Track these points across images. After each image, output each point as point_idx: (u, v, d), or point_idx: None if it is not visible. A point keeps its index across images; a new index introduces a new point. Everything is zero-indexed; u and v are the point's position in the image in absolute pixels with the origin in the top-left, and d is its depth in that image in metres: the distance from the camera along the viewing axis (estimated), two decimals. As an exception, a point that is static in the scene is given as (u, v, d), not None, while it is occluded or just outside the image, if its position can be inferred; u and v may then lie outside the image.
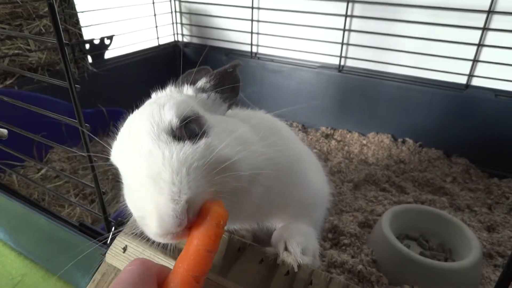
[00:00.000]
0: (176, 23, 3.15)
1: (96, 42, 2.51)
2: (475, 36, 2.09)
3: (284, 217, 0.98)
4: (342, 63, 2.55)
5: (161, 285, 0.68)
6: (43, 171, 1.98)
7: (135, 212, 0.72)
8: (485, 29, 2.05)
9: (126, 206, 0.77)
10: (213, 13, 2.97)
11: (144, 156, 0.69)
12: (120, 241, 0.91)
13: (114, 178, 1.94)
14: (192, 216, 0.67)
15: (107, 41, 2.57)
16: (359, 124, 2.58)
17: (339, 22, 2.43)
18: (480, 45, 2.10)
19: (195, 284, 0.66)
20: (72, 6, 2.35)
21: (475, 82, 2.21)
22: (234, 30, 2.89)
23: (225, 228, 0.91)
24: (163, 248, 0.87)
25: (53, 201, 1.84)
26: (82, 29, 2.44)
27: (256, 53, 2.86)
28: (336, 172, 2.18)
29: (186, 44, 3.19)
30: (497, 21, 2.03)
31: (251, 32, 2.78)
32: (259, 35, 2.83)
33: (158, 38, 3.00)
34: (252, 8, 2.70)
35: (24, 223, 1.51)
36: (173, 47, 3.16)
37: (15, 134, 1.30)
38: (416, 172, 2.15)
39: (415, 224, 1.58)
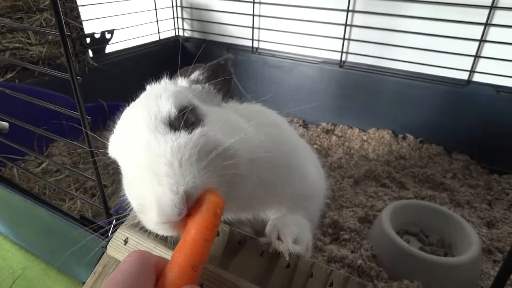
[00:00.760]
0: (177, 17, 3.14)
1: (97, 36, 2.50)
2: (477, 31, 2.08)
3: (279, 209, 0.99)
4: (343, 59, 2.54)
5: (160, 275, 0.69)
6: (44, 165, 1.99)
7: (135, 203, 0.73)
8: (487, 24, 2.04)
9: (126, 198, 0.78)
10: (214, 8, 2.96)
11: (142, 147, 0.70)
12: (121, 234, 0.92)
13: (115, 173, 1.95)
14: (190, 205, 0.68)
15: (108, 35, 2.56)
16: (360, 119, 2.58)
17: (341, 17, 2.42)
18: (482, 40, 2.09)
19: (193, 273, 0.67)
20: (73, 0, 2.34)
21: (477, 78, 2.20)
22: (235, 25, 2.88)
23: (224, 219, 0.92)
24: (163, 240, 0.87)
25: (54, 195, 1.84)
26: (83, 23, 2.43)
27: (257, 48, 2.85)
28: (337, 168, 2.18)
29: (187, 39, 3.18)
30: (499, 17, 2.03)
31: (252, 27, 2.77)
32: (260, 30, 2.82)
33: (159, 32, 2.99)
34: (254, 2, 2.69)
35: (25, 217, 1.52)
36: (174, 41, 3.15)
37: (16, 128, 1.30)
38: (416, 168, 2.15)
39: (415, 219, 1.58)
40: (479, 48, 2.11)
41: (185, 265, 0.67)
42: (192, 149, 0.69)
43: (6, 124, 1.35)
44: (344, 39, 2.47)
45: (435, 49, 2.22)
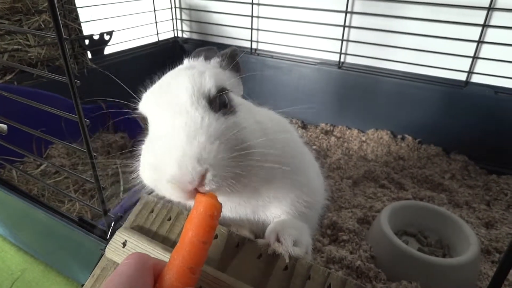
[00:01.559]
0: (176, 19, 3.15)
1: (96, 37, 2.50)
2: (475, 33, 2.09)
3: (281, 210, 0.98)
4: (341, 60, 2.54)
5: (158, 278, 0.69)
6: (42, 167, 1.98)
7: (153, 158, 0.74)
8: (485, 26, 2.05)
9: (139, 160, 0.81)
10: (213, 9, 2.97)
11: (184, 114, 0.72)
12: (119, 236, 0.92)
13: (113, 174, 1.94)
14: (198, 185, 0.69)
15: (106, 37, 2.56)
16: (359, 120, 2.58)
17: (339, 18, 2.43)
18: (480, 42, 2.10)
19: (191, 276, 0.67)
20: (71, 1, 2.34)
21: (475, 79, 2.21)
22: (234, 26, 2.88)
23: (222, 221, 0.92)
24: (162, 243, 0.87)
25: (53, 196, 1.84)
26: (82, 24, 2.43)
27: (256, 49, 2.85)
28: (336, 169, 2.18)
29: (186, 40, 3.18)
30: (497, 18, 2.03)
31: (251, 28, 2.77)
32: (259, 31, 2.82)
33: (157, 34, 2.99)
34: (252, 4, 2.69)
35: (23, 219, 1.52)
36: (173, 43, 3.16)
37: (15, 130, 1.30)
38: (415, 169, 2.16)
39: (413, 220, 1.59)
40: (477, 49, 2.12)
41: (183, 267, 0.67)
42: (227, 138, 0.72)
43: (4, 126, 1.35)
44: (342, 40, 2.47)
45: (434, 50, 2.23)
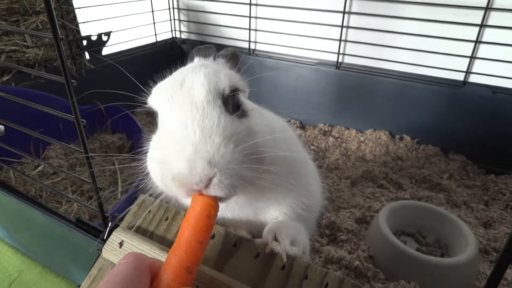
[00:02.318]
0: (174, 19, 3.15)
1: (94, 38, 2.50)
2: (472, 33, 2.09)
3: (279, 212, 0.98)
4: (340, 60, 2.54)
5: (154, 277, 0.69)
6: (40, 168, 1.98)
7: (163, 152, 0.72)
8: (482, 26, 2.05)
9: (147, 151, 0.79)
10: (211, 10, 2.97)
11: (201, 110, 0.71)
12: (116, 236, 0.91)
13: (111, 175, 1.94)
14: (203, 187, 0.67)
15: (104, 38, 2.56)
16: (357, 121, 2.58)
17: (337, 18, 2.43)
18: (477, 42, 2.10)
19: (187, 275, 0.67)
20: (69, 2, 2.34)
21: (473, 79, 2.21)
22: (232, 27, 2.88)
23: (220, 221, 0.91)
24: (159, 243, 0.87)
25: (51, 197, 1.84)
26: (80, 25, 2.43)
27: (254, 50, 2.85)
28: (334, 169, 2.18)
29: (184, 41, 3.18)
30: (494, 18, 2.03)
31: (249, 29, 2.77)
32: (257, 32, 2.82)
33: (155, 34, 2.99)
34: (250, 4, 2.69)
35: (21, 220, 1.51)
36: (171, 43, 3.15)
37: (12, 131, 1.29)
38: (413, 169, 2.16)
39: (412, 220, 1.59)
40: (474, 49, 2.12)
41: (179, 267, 0.67)
42: (241, 142, 0.71)
43: (1, 127, 1.35)
44: (340, 40, 2.48)
45: (431, 50, 2.23)
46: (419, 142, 2.39)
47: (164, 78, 0.91)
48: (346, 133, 2.57)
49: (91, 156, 1.00)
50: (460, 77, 2.22)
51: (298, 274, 0.80)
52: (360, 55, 2.48)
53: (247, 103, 0.84)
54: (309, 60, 2.64)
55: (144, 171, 0.82)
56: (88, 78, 2.43)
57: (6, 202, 1.42)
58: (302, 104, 2.70)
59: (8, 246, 1.66)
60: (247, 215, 0.97)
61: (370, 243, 1.51)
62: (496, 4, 2.00)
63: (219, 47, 1.02)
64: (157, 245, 0.86)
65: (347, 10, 2.39)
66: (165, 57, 3.05)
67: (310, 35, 2.58)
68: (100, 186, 1.07)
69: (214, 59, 0.97)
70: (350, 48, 2.52)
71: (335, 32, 2.47)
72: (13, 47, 2.13)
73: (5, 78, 2.07)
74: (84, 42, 2.45)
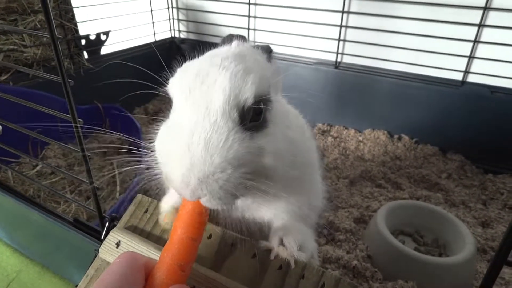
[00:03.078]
0: (173, 19, 3.14)
1: (92, 37, 2.49)
2: (471, 32, 2.09)
3: (283, 214, 0.96)
4: (338, 60, 2.54)
5: (148, 276, 0.69)
6: (38, 168, 1.98)
7: (164, 148, 0.70)
8: (481, 25, 2.05)
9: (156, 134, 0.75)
10: (210, 9, 2.96)
11: (212, 121, 0.66)
12: (113, 237, 0.91)
13: (109, 175, 1.94)
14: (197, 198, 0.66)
15: (103, 37, 2.56)
16: (356, 120, 2.58)
17: (336, 18, 2.43)
18: (476, 41, 2.10)
19: (181, 273, 0.67)
20: (67, 1, 2.34)
21: (471, 78, 2.21)
22: (231, 26, 2.88)
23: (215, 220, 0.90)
24: (156, 243, 0.87)
25: (49, 197, 1.83)
26: (78, 24, 2.43)
27: (252, 50, 2.85)
28: (332, 169, 2.18)
29: (183, 40, 3.18)
30: (493, 18, 2.04)
31: (248, 28, 2.77)
32: (256, 31, 2.82)
33: (154, 34, 2.99)
34: (249, 4, 2.69)
35: (19, 220, 1.51)
36: (170, 43, 3.15)
37: (10, 131, 1.29)
38: (411, 169, 2.16)
39: (410, 220, 1.59)
40: (473, 49, 2.12)
41: (172, 264, 0.67)
42: (243, 164, 0.66)
43: (-1, 127, 1.35)
44: (339, 40, 2.48)
45: (430, 50, 2.23)
46: (417, 141, 2.39)
47: (163, 78, 0.88)
48: (344, 132, 2.57)
49: (89, 156, 1.00)
50: (458, 76, 2.22)
51: (295, 274, 0.80)
52: (359, 54, 2.48)
53: (275, 110, 0.76)
54: (308, 60, 2.64)
55: (145, 166, 0.79)
56: (87, 77, 2.42)
57: (4, 202, 1.42)
58: (301, 104, 2.69)
59: (6, 246, 1.66)
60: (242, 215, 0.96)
61: (368, 243, 1.51)
62: (494, 4, 2.00)
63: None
64: (153, 245, 0.86)
65: (346, 9, 2.39)
66: (164, 57, 3.02)
67: (309, 35, 2.58)
68: (97, 186, 1.07)
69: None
70: (349, 48, 2.52)
71: (334, 32, 2.47)
72: (11, 47, 2.12)
73: (3, 78, 2.06)
74: (83, 42, 2.45)
